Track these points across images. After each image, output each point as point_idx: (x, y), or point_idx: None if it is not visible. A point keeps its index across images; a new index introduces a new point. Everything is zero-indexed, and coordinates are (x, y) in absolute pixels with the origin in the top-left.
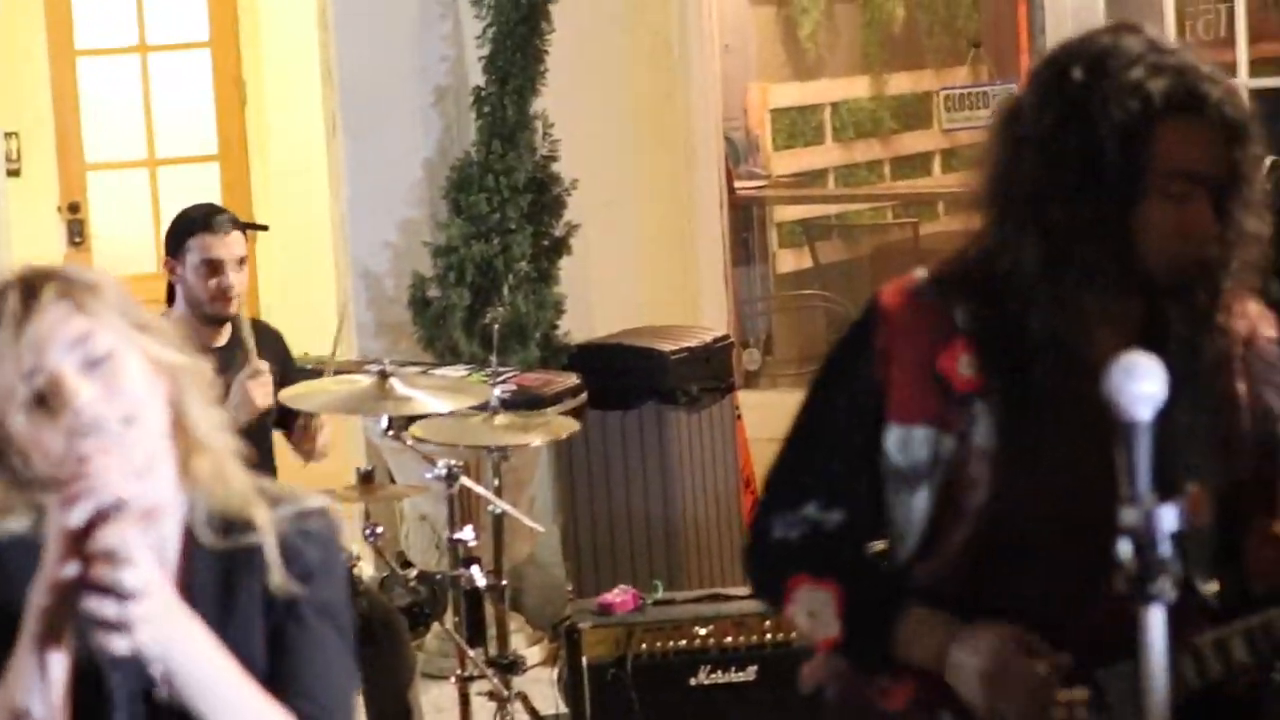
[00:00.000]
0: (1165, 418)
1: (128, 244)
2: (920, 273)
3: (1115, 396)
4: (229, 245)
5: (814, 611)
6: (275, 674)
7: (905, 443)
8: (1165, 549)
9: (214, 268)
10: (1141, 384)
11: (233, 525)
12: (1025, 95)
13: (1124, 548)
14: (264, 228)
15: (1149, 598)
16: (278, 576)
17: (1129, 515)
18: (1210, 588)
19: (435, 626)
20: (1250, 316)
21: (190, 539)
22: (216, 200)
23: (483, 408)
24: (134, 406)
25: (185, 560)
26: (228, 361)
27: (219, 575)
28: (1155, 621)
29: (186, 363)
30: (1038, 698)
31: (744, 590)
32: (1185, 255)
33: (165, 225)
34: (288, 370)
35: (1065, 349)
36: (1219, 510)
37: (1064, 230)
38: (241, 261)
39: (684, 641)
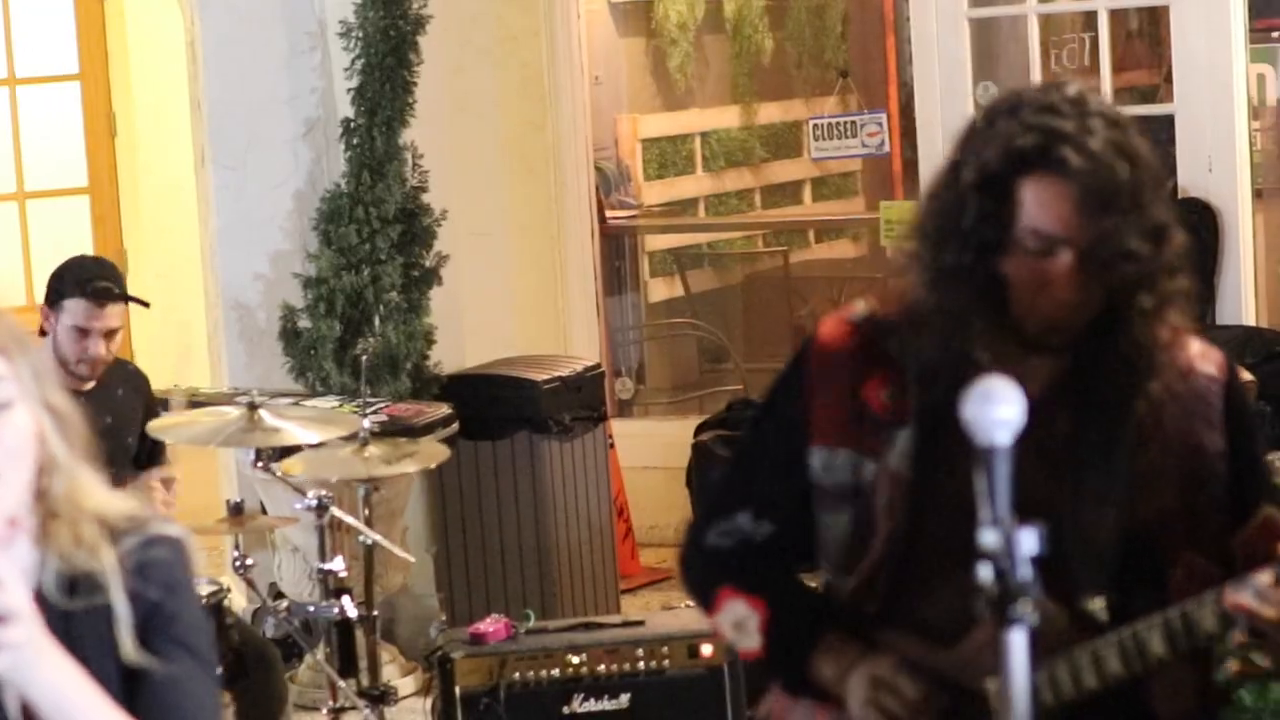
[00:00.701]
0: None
1: None
2: (861, 305)
3: (972, 421)
4: (104, 318)
5: (739, 624)
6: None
7: (828, 464)
8: (1025, 572)
9: (84, 334)
10: (998, 409)
11: (80, 583)
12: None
13: (984, 572)
14: (146, 304)
15: (1009, 620)
16: (127, 642)
17: (988, 538)
18: (1097, 604)
19: (307, 658)
20: (1189, 353)
21: (40, 599)
22: (86, 234)
23: (353, 438)
24: (9, 463)
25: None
26: (98, 407)
27: (67, 635)
28: (1017, 643)
29: (73, 423)
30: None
31: (616, 619)
32: (1043, 310)
33: (35, 258)
34: (151, 412)
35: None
36: (1137, 540)
37: (938, 275)
38: (113, 333)
39: (557, 670)
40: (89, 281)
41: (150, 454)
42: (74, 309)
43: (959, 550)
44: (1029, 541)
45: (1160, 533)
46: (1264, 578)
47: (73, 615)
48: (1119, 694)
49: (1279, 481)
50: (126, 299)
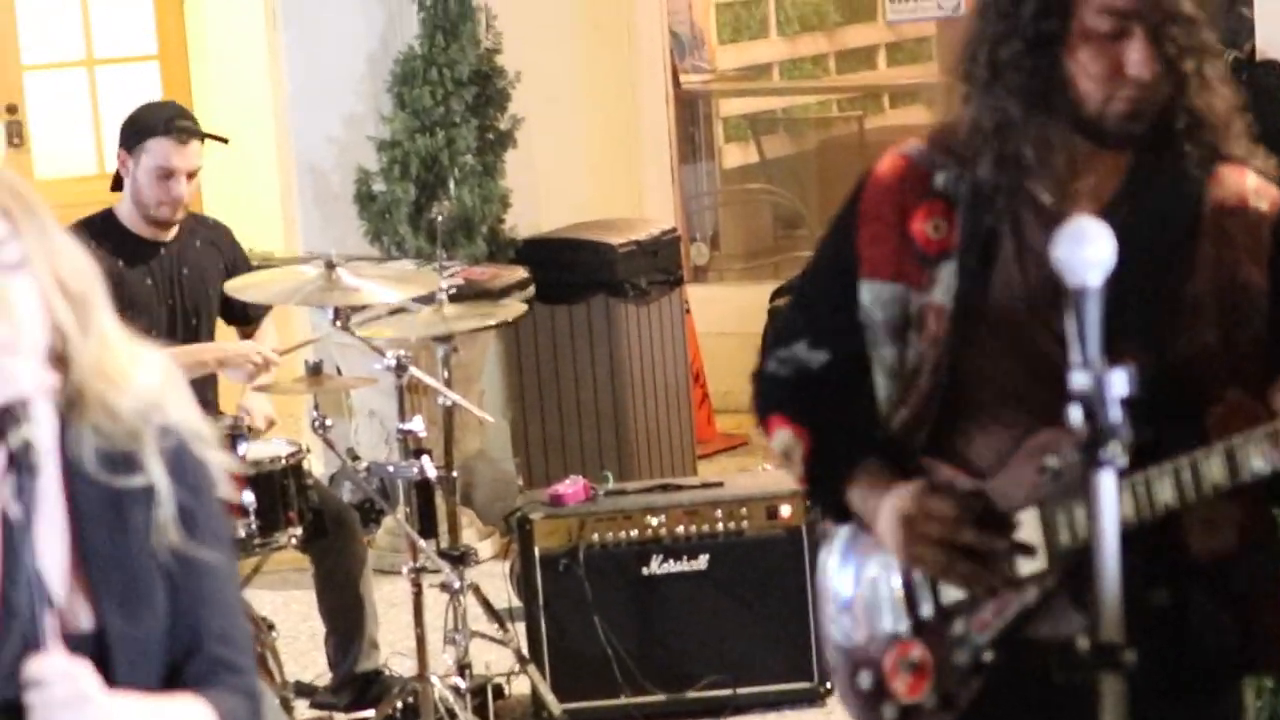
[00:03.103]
0: (1121, 279)
1: (67, 145)
2: (918, 139)
3: (1063, 262)
4: (186, 155)
5: (786, 451)
6: (181, 612)
7: (876, 297)
8: (1115, 414)
9: (167, 174)
10: (1089, 249)
11: (119, 462)
12: None
13: (1074, 413)
14: (225, 140)
15: (1100, 462)
16: (170, 526)
17: (1079, 380)
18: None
19: (386, 522)
20: (1244, 185)
21: (73, 471)
22: (156, 96)
23: (430, 298)
24: (21, 323)
25: (71, 494)
26: (176, 257)
27: (109, 509)
28: (1106, 485)
29: (94, 288)
30: (946, 535)
31: (694, 480)
32: (1125, 96)
33: (104, 125)
34: (237, 264)
35: (1037, 206)
36: (1178, 374)
37: (996, 82)
38: (194, 173)
39: (635, 531)
40: (169, 121)
41: (244, 314)
42: (156, 149)
43: (1001, 392)
44: (1120, 383)
45: (1200, 367)
46: None
47: (122, 495)
48: (1151, 529)
49: None
50: (206, 136)
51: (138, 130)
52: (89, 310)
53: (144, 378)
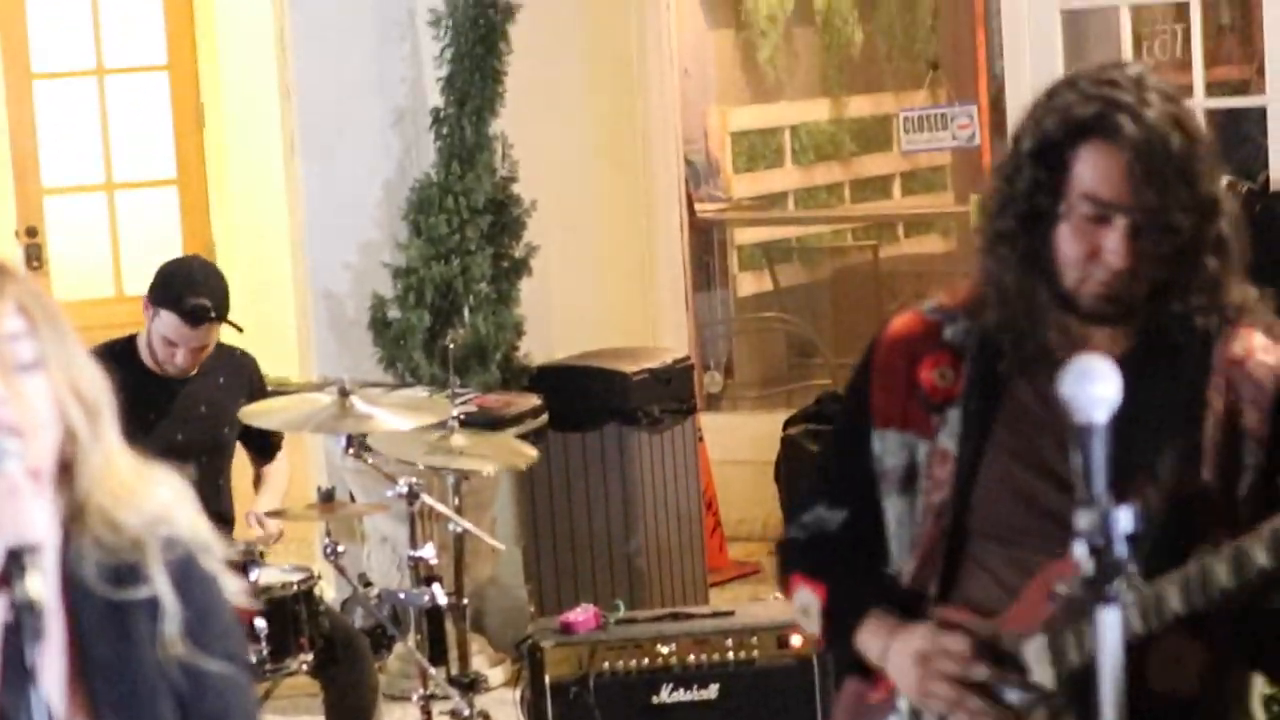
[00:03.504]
0: (1132, 421)
1: (86, 268)
2: (933, 298)
3: (1070, 399)
4: (194, 335)
5: (805, 609)
6: None
7: (886, 446)
8: (1121, 551)
9: (171, 344)
10: (1096, 387)
11: (124, 574)
12: None
13: (1079, 550)
14: (239, 329)
15: (1104, 599)
16: (176, 638)
17: (1084, 518)
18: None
19: (397, 647)
20: (1251, 342)
21: (73, 584)
22: (175, 225)
23: (443, 426)
24: (33, 422)
25: (71, 606)
26: (193, 395)
27: (111, 621)
28: (1110, 622)
29: (106, 400)
30: (958, 675)
31: (705, 609)
32: (1099, 279)
33: (123, 249)
34: (258, 394)
35: (1051, 356)
36: (1173, 512)
37: (995, 246)
38: (204, 348)
39: (646, 660)
40: (186, 298)
41: (263, 443)
42: (167, 321)
43: (1004, 533)
44: (1125, 520)
45: (1197, 509)
46: None
47: (125, 608)
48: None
49: None
50: (221, 320)
51: (160, 292)
52: (100, 420)
53: (151, 493)
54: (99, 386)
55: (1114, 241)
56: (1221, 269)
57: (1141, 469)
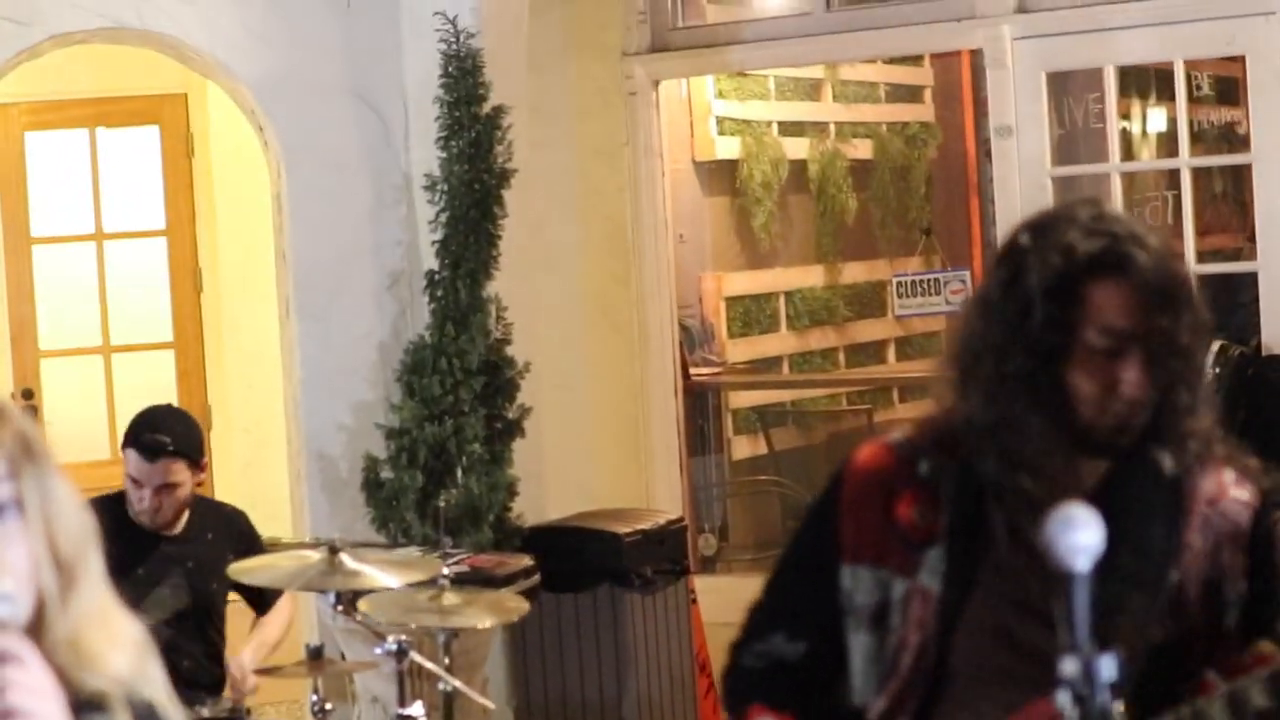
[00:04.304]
0: (1111, 565)
1: (81, 431)
2: (897, 431)
3: (1053, 547)
4: (152, 471)
5: None
6: None
7: (857, 583)
8: (1105, 698)
9: (137, 485)
10: (1079, 535)
11: (84, 706)
12: (990, 264)
13: (1063, 699)
14: (201, 467)
15: None
16: None
17: (1068, 665)
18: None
19: None
20: (1223, 479)
21: None
22: (171, 388)
23: (433, 584)
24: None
25: None
26: (181, 551)
27: None
28: None
29: (86, 553)
30: None
31: None
32: (1116, 412)
33: (119, 411)
34: (251, 550)
35: (1026, 497)
36: (1160, 658)
37: (999, 381)
38: (170, 487)
39: None
40: (143, 433)
41: (258, 595)
42: (129, 458)
43: (986, 672)
44: (1108, 668)
45: (1182, 651)
46: None
47: None
48: None
49: None
50: (181, 455)
51: (126, 435)
52: (75, 579)
53: (119, 661)
54: (81, 538)
55: (1131, 372)
56: (1204, 398)
57: (1124, 613)
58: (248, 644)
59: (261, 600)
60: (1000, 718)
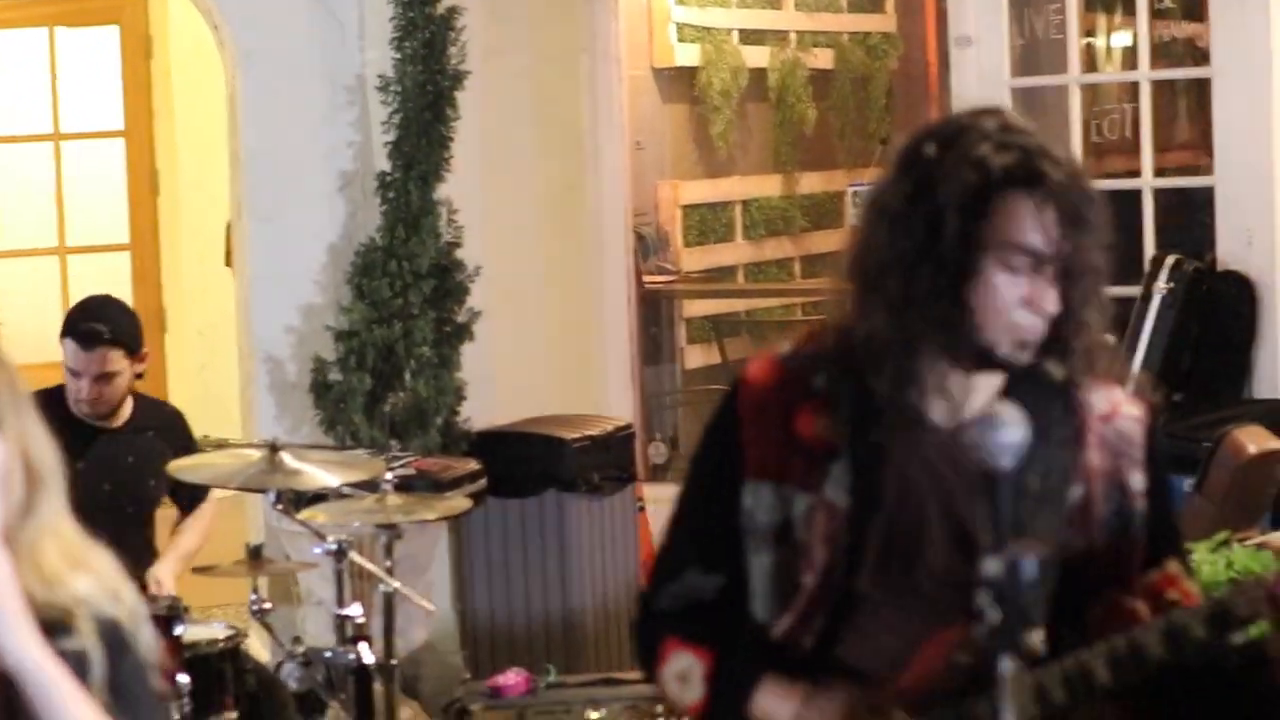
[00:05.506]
0: (1014, 483)
1: (36, 331)
2: (786, 345)
3: (978, 447)
4: (90, 361)
5: (683, 674)
6: None
7: (759, 500)
8: (1026, 599)
9: (75, 376)
10: (1003, 434)
11: (50, 627)
12: (887, 172)
13: (985, 598)
14: (141, 357)
15: (1010, 646)
16: (98, 684)
17: (991, 565)
18: (1036, 637)
19: (332, 711)
20: (1115, 397)
21: None
22: (127, 291)
23: (375, 487)
24: None
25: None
26: (119, 445)
27: None
28: (1010, 669)
29: (53, 478)
30: None
31: (637, 675)
32: (1023, 329)
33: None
34: (188, 450)
35: (922, 415)
36: (1067, 576)
37: (905, 300)
38: (107, 377)
39: None
40: (79, 323)
41: (190, 499)
42: (66, 349)
43: (892, 592)
44: (1030, 569)
45: (1086, 566)
46: None
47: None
48: None
49: None
50: (118, 344)
51: (64, 325)
52: (39, 496)
53: (81, 582)
54: (50, 463)
55: (1044, 288)
56: (1099, 315)
57: (1029, 530)
58: (164, 556)
59: (192, 502)
60: (908, 641)
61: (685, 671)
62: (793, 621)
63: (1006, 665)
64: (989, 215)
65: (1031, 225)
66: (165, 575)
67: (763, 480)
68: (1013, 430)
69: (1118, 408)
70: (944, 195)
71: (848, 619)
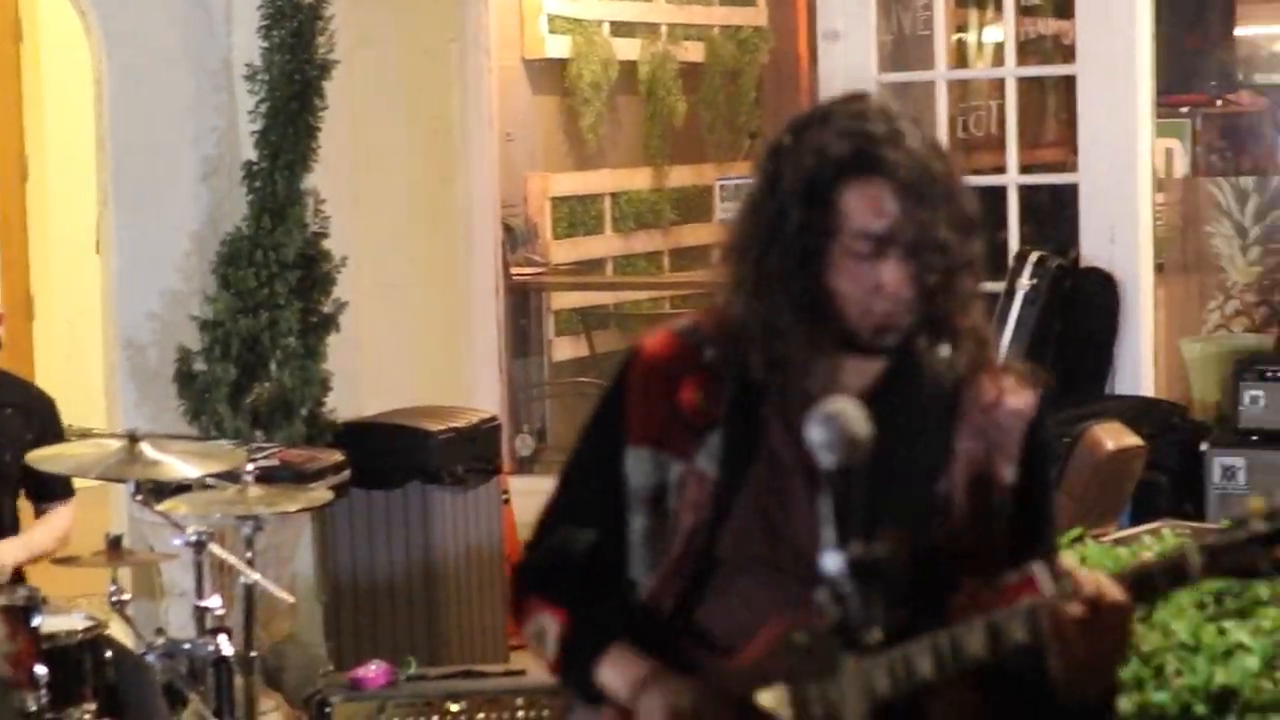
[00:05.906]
0: (878, 468)
1: None
2: (685, 320)
3: (818, 443)
4: None
5: (539, 634)
6: None
7: (638, 464)
8: (865, 597)
9: None
10: (844, 429)
11: None
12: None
13: (822, 595)
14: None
15: (848, 643)
16: None
17: (830, 562)
18: (875, 634)
19: (191, 704)
20: (1001, 385)
21: None
22: None
23: (236, 478)
24: None
25: None
26: None
27: None
28: (854, 666)
29: None
30: None
31: (498, 668)
32: (879, 312)
33: None
34: (49, 437)
35: (789, 396)
36: (927, 567)
37: (758, 285)
38: None
39: (436, 717)
40: None
41: (47, 485)
42: None
43: (752, 561)
44: (870, 566)
45: (948, 558)
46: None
47: None
48: (898, 712)
49: None
50: None
51: None
52: None
53: None
54: None
55: (892, 273)
56: (974, 296)
57: (889, 518)
58: (11, 540)
59: (42, 493)
60: (759, 613)
61: (542, 631)
62: (656, 583)
63: (841, 659)
64: (829, 203)
65: (870, 210)
66: (5, 555)
67: (643, 445)
68: (853, 427)
69: (1001, 397)
70: (788, 183)
71: (707, 585)
